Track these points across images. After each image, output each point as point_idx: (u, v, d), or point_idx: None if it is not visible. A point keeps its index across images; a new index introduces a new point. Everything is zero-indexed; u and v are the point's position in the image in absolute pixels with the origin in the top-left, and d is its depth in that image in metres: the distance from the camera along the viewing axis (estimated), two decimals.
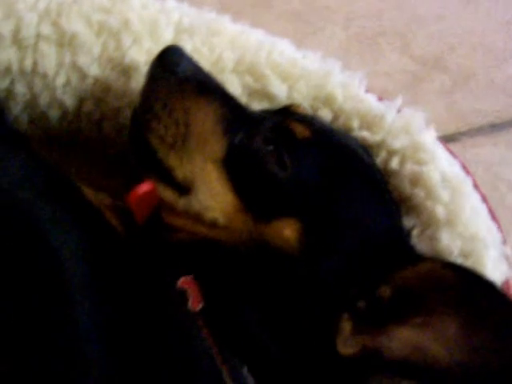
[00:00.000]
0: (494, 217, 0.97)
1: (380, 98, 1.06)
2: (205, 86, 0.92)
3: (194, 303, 0.78)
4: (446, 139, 1.48)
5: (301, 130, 0.88)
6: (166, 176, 0.86)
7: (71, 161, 1.12)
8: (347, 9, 1.69)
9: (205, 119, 0.88)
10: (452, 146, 1.42)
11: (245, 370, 0.76)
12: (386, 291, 0.79)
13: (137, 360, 0.69)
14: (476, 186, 0.97)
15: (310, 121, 0.95)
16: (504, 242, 0.95)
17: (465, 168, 1.00)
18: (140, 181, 0.88)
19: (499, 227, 0.96)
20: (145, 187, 0.85)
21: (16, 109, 1.06)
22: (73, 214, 0.77)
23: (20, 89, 1.05)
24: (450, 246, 0.92)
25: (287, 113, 0.97)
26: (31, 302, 0.66)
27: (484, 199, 0.97)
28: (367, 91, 1.06)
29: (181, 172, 0.85)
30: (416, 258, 0.87)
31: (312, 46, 1.55)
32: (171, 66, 0.89)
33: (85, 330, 0.67)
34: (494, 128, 1.55)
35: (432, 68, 1.62)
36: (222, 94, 0.93)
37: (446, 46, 1.66)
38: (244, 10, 1.61)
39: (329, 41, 1.62)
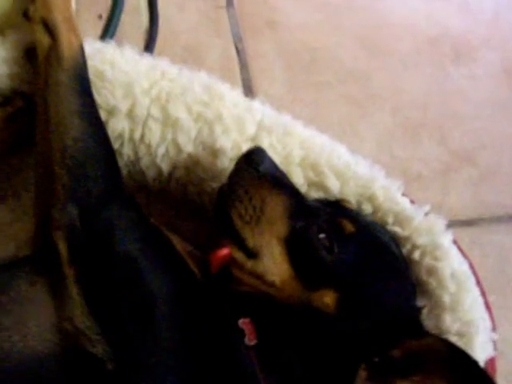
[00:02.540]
0: (488, 307, 1.10)
1: (412, 202, 1.19)
2: (279, 182, 1.06)
3: (250, 339, 0.94)
4: (469, 223, 1.62)
5: (348, 226, 1.02)
6: (239, 242, 1.01)
7: (156, 205, 1.29)
8: (396, 99, 1.81)
9: (276, 207, 1.03)
10: (472, 229, 1.61)
11: None
12: (396, 353, 0.93)
13: (203, 376, 0.88)
14: (478, 283, 1.11)
15: (355, 217, 1.09)
16: (493, 329, 1.09)
17: (472, 267, 1.13)
18: (217, 237, 1.06)
19: (491, 316, 1.10)
20: (224, 251, 1.03)
21: (120, 165, 1.15)
22: (165, 263, 0.97)
23: (127, 151, 1.21)
24: (450, 326, 1.06)
25: (338, 205, 1.13)
26: (129, 323, 0.87)
27: (483, 293, 1.11)
28: (403, 195, 1.20)
29: (252, 242, 1.01)
30: (423, 333, 1.01)
31: (361, 128, 1.70)
32: (255, 162, 1.05)
33: (163, 349, 0.86)
34: None
35: (463, 161, 1.74)
36: (291, 189, 1.08)
37: (478, 143, 1.78)
38: (309, 89, 1.74)
39: (376, 125, 1.75)
